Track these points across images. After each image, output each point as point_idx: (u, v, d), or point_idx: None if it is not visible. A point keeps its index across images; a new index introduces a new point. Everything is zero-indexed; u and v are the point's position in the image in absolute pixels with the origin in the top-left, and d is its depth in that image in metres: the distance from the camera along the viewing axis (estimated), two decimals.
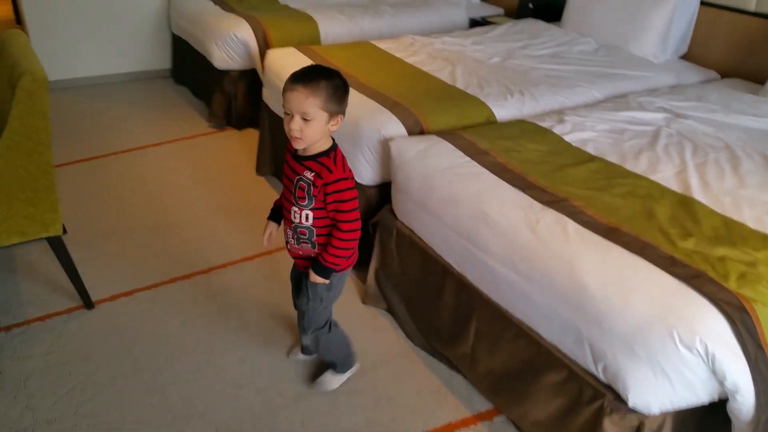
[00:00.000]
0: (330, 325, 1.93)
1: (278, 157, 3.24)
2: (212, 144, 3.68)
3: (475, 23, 4.39)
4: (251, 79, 3.78)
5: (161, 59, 4.64)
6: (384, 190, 2.49)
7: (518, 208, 1.83)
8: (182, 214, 2.92)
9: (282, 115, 3.04)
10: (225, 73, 3.74)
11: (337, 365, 2.01)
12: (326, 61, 3.04)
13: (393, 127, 2.41)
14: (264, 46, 3.66)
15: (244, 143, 3.70)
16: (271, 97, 3.15)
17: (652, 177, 2.04)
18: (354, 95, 2.63)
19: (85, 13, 4.24)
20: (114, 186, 3.14)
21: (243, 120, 3.86)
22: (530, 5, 4.34)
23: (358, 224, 1.68)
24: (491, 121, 2.60)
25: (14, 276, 2.43)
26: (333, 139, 1.72)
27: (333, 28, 3.90)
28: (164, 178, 3.24)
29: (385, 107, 2.51)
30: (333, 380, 2.02)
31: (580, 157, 2.17)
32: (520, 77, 2.96)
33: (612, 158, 2.19)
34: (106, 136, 3.69)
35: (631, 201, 1.87)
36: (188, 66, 4.28)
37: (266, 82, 3.18)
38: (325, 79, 1.61)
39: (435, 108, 2.55)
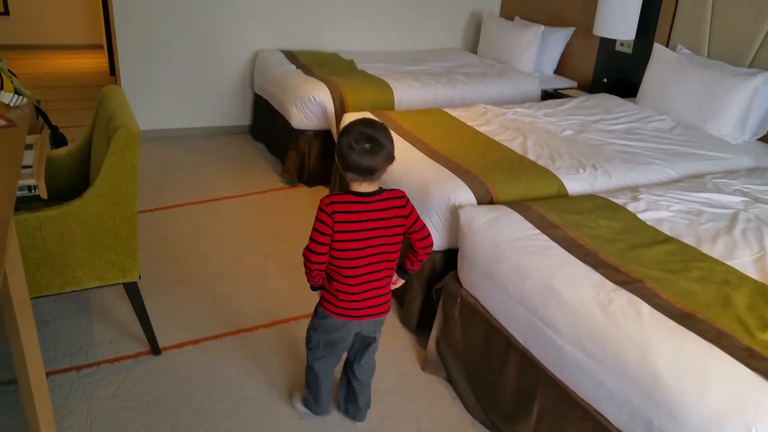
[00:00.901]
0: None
1: None
2: (284, 199, 3.80)
3: (547, 95, 4.43)
4: (325, 139, 3.91)
5: (242, 116, 4.88)
6: (450, 256, 2.49)
7: (589, 286, 1.80)
8: (252, 267, 3.00)
9: None
10: (301, 132, 3.88)
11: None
12: (399, 126, 3.12)
13: (463, 194, 2.44)
14: (340, 109, 3.80)
15: (314, 200, 3.80)
16: None
17: (730, 262, 1.97)
18: (424, 161, 2.69)
19: (175, 69, 4.53)
20: (189, 235, 3.27)
21: (314, 178, 3.98)
22: (604, 80, 4.36)
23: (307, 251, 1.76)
24: (562, 194, 2.59)
25: (89, 317, 2.54)
26: None
27: (407, 94, 4.02)
28: (237, 231, 3.35)
29: (456, 174, 2.54)
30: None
31: (655, 237, 2.13)
32: (593, 151, 2.95)
33: (688, 240, 2.13)
34: (185, 186, 3.87)
35: (708, 286, 1.80)
36: (266, 124, 4.47)
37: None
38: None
39: (505, 178, 2.56)
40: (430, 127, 3.16)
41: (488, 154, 2.82)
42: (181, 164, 4.21)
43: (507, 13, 5.41)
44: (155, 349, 2.33)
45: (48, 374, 2.19)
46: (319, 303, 1.89)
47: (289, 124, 3.90)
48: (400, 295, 2.73)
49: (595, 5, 4.45)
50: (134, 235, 2.14)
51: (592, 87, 4.51)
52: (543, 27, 4.59)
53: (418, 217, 1.84)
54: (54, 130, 3.73)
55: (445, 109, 3.50)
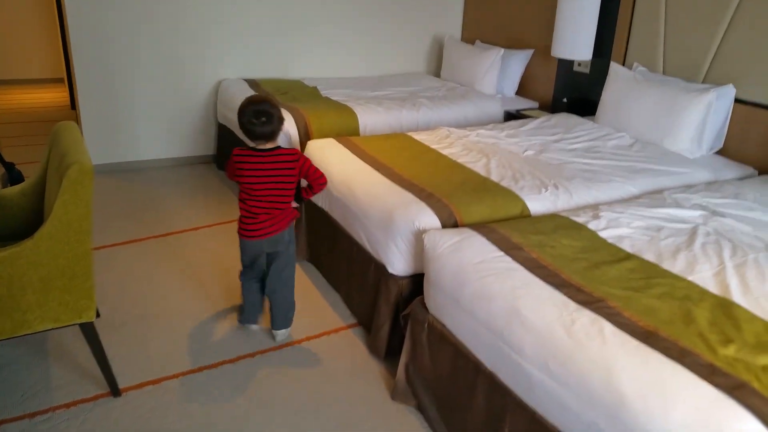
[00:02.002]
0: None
1: (314, 243, 3.28)
2: None
3: (510, 116, 4.48)
4: None
5: (206, 146, 4.84)
6: (416, 282, 2.47)
7: (553, 307, 1.79)
8: (216, 301, 2.94)
9: (317, 202, 3.10)
10: None
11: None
12: (364, 152, 3.11)
13: (427, 218, 2.43)
14: (305, 135, 3.79)
15: None
16: None
17: (690, 277, 1.98)
18: (388, 186, 2.68)
19: (137, 100, 4.49)
20: (152, 270, 3.20)
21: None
22: (564, 100, 4.43)
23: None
24: (525, 215, 2.59)
25: (45, 360, 2.45)
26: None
27: (372, 119, 4.02)
28: (201, 263, 3.29)
29: (420, 198, 2.54)
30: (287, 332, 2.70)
31: (616, 255, 2.13)
32: (554, 171, 2.98)
33: (648, 256, 2.14)
34: (148, 219, 3.80)
35: (669, 303, 1.81)
36: (231, 152, 4.43)
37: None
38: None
39: (469, 200, 2.56)
40: (394, 151, 3.16)
41: (452, 177, 2.82)
42: (145, 197, 4.15)
43: (468, 37, 5.48)
44: (115, 391, 2.26)
45: None
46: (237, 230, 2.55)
47: None
48: (366, 322, 2.70)
49: (550, 28, 4.54)
50: (89, 274, 2.08)
51: (553, 107, 4.58)
52: (503, 50, 4.66)
53: (311, 165, 2.49)
54: (9, 167, 3.65)
55: (410, 133, 3.50)
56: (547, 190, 2.73)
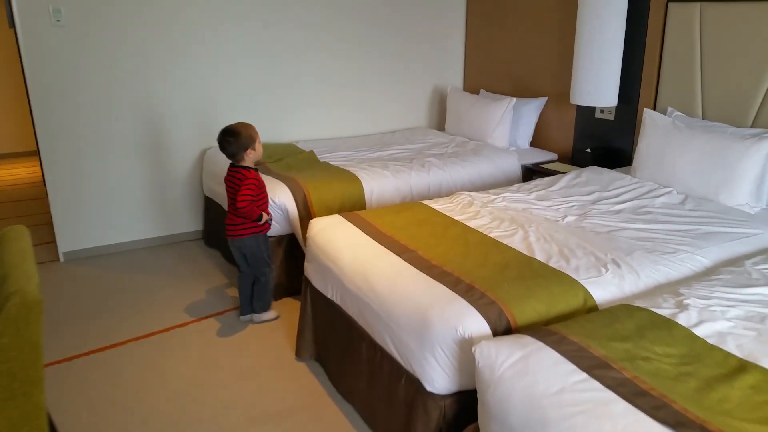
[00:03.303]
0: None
1: (321, 338, 2.77)
2: (246, 322, 3.24)
3: (528, 171, 4.06)
4: (289, 245, 3.41)
5: (193, 221, 4.35)
6: (463, 402, 1.97)
7: None
8: (209, 422, 2.41)
9: (325, 293, 2.61)
10: None
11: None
12: (378, 230, 2.64)
13: (472, 322, 1.94)
14: (304, 208, 3.32)
15: (285, 319, 3.25)
16: (314, 274, 2.73)
17: None
18: (416, 277, 2.19)
19: (111, 175, 4.01)
20: (131, 382, 2.67)
21: (280, 290, 3.45)
22: (588, 150, 4.01)
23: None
24: (590, 306, 2.11)
25: None
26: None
27: (378, 185, 3.58)
28: (189, 371, 2.76)
29: (458, 293, 2.05)
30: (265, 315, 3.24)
31: (726, 365, 1.65)
32: (606, 241, 2.52)
33: (766, 363, 1.66)
34: (126, 316, 3.28)
35: None
36: (220, 228, 3.95)
37: (309, 256, 2.77)
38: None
39: (519, 292, 2.08)
40: (413, 227, 2.69)
41: (490, 259, 2.35)
42: (124, 287, 3.63)
43: (470, 87, 5.11)
44: None
45: None
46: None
47: None
48: None
49: (564, 73, 4.17)
50: None
51: (573, 158, 4.17)
52: (514, 99, 4.26)
53: (243, 191, 2.89)
54: None
55: (425, 202, 3.05)
56: (607, 270, 2.26)
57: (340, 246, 2.57)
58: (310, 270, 2.79)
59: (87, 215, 3.99)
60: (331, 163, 3.85)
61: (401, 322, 2.10)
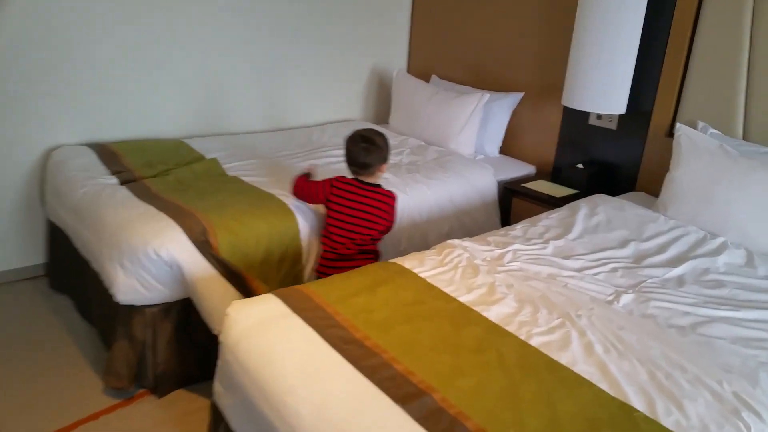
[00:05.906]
0: None
1: None
2: (115, 429, 2.05)
3: (507, 192, 3.10)
4: (181, 314, 2.22)
5: (31, 252, 2.97)
6: None
7: None
8: None
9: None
10: (135, 310, 2.15)
11: None
12: (345, 329, 1.56)
13: None
14: (207, 261, 2.14)
15: (173, 419, 2.09)
16: (235, 412, 1.60)
17: None
18: None
19: None
20: None
21: (167, 380, 2.25)
22: (579, 165, 3.11)
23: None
24: None
25: None
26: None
27: (318, 219, 2.46)
28: None
29: None
30: None
31: None
32: (703, 352, 1.61)
33: None
34: None
35: None
36: (72, 268, 2.64)
37: (226, 380, 1.63)
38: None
39: None
40: (404, 325, 1.63)
41: (559, 409, 1.34)
42: None
43: (417, 71, 4.04)
44: None
45: None
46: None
47: (112, 297, 2.15)
48: None
49: (548, 63, 3.26)
50: None
51: (557, 173, 3.26)
52: (488, 93, 3.27)
53: (390, 219, 2.33)
54: None
55: (405, 265, 1.96)
56: (748, 428, 1.33)
57: (285, 374, 1.46)
58: (226, 402, 1.65)
59: None
60: (245, 179, 2.65)
61: None
